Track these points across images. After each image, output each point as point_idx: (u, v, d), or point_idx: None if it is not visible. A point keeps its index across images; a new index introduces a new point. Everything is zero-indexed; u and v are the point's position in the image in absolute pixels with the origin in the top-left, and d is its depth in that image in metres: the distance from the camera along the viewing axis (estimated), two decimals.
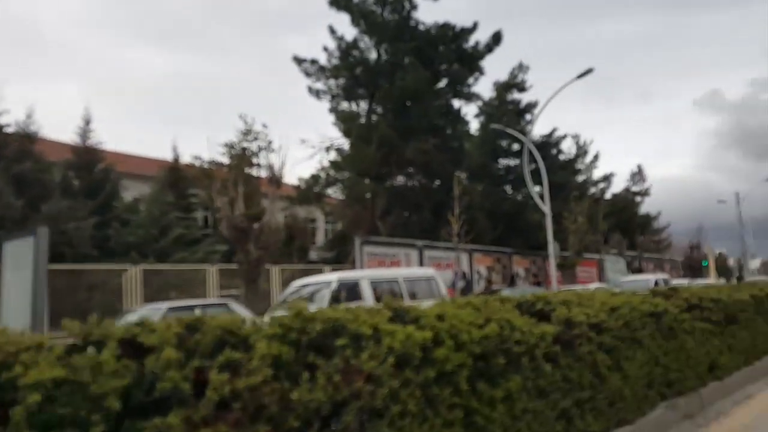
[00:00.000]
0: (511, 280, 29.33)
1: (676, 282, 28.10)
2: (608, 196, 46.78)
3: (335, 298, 11.44)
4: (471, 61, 23.56)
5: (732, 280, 43.13)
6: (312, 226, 35.94)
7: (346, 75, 22.62)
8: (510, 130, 25.68)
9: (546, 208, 24.12)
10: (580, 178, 45.05)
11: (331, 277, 12.21)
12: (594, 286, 21.63)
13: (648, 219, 46.90)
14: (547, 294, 4.62)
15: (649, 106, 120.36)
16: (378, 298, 12.65)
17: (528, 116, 34.25)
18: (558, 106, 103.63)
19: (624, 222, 44.51)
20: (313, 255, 31.63)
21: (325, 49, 22.52)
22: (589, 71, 23.40)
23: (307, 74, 22.46)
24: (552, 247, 23.84)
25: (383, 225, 27.88)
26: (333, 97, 22.83)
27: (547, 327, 3.76)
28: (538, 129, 42.91)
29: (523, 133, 34.24)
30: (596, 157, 45.40)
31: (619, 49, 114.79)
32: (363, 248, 23.35)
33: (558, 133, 35.18)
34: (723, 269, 60.02)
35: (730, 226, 49.20)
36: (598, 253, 37.15)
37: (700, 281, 30.80)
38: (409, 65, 20.65)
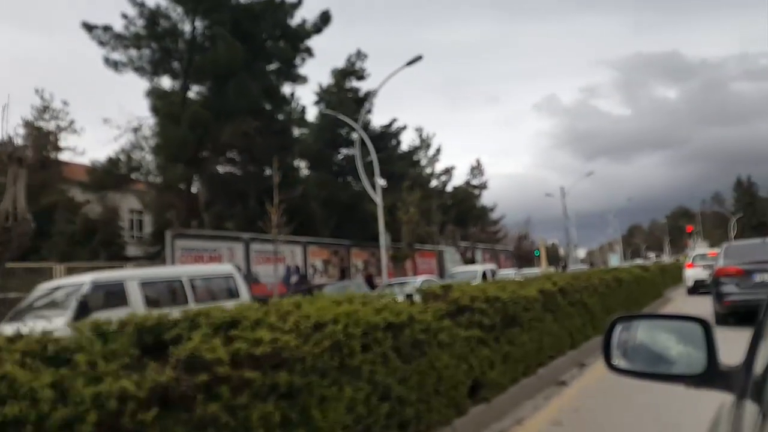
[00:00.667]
0: (342, 274, 28.16)
1: (504, 272, 28.83)
2: (449, 188, 47.97)
3: (84, 306, 9.16)
4: (297, 40, 21.81)
5: (559, 268, 46.18)
6: (137, 218, 32.24)
7: (153, 46, 19.78)
8: (343, 117, 24.48)
9: (378, 198, 23.24)
10: (423, 170, 45.62)
11: (84, 279, 9.86)
12: (421, 279, 21.02)
13: (485, 211, 48.68)
14: (213, 309, 3.03)
15: (496, 108, 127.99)
16: (152, 303, 10.54)
17: (368, 105, 33.50)
18: (409, 105, 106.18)
19: (463, 214, 45.82)
20: (136, 251, 28.19)
21: (125, 16, 19.50)
22: (418, 58, 22.83)
23: (102, 43, 19.26)
24: (383, 238, 23.04)
25: (208, 216, 25.39)
26: (137, 70, 19.86)
27: (125, 381, 2.12)
28: (380, 120, 42.39)
29: (363, 122, 33.43)
30: (438, 151, 46.25)
31: (470, 54, 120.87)
32: (175, 242, 20.75)
33: (398, 125, 34.79)
34: (554, 258, 64.71)
35: (559, 218, 53.03)
36: (435, 245, 37.57)
37: (530, 270, 32.09)
38: (221, 38, 18.38)
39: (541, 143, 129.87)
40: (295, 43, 21.61)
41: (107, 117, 20.37)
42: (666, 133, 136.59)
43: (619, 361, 1.67)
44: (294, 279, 26.56)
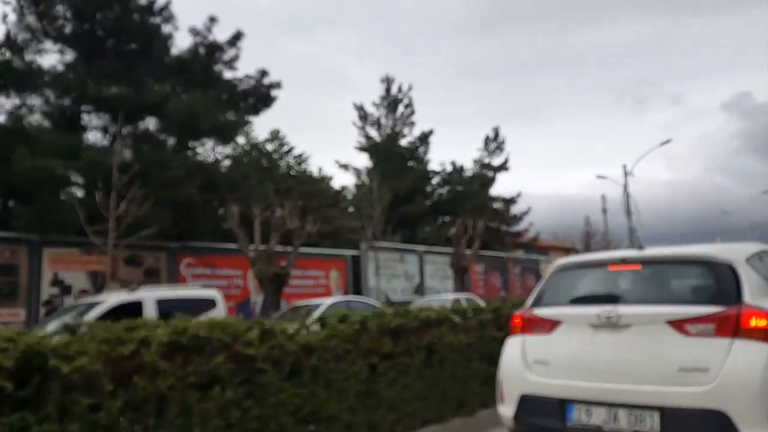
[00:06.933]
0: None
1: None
2: (434, 165, 34.70)
3: None
4: None
5: None
6: None
7: None
8: None
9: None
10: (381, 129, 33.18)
11: None
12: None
13: (492, 201, 34.05)
14: None
15: (677, 108, 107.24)
16: None
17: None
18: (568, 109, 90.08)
19: (451, 203, 32.47)
20: None
21: None
22: None
23: None
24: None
25: None
26: None
27: None
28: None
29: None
30: (409, 108, 33.29)
31: (650, 53, 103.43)
32: None
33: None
34: None
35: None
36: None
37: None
38: None
39: (726, 146, 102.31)
40: None
41: None
42: None
43: None
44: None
